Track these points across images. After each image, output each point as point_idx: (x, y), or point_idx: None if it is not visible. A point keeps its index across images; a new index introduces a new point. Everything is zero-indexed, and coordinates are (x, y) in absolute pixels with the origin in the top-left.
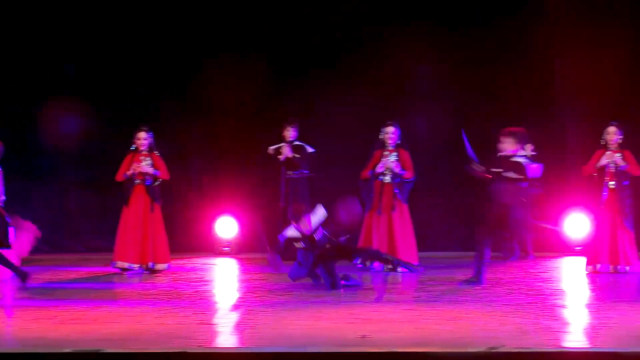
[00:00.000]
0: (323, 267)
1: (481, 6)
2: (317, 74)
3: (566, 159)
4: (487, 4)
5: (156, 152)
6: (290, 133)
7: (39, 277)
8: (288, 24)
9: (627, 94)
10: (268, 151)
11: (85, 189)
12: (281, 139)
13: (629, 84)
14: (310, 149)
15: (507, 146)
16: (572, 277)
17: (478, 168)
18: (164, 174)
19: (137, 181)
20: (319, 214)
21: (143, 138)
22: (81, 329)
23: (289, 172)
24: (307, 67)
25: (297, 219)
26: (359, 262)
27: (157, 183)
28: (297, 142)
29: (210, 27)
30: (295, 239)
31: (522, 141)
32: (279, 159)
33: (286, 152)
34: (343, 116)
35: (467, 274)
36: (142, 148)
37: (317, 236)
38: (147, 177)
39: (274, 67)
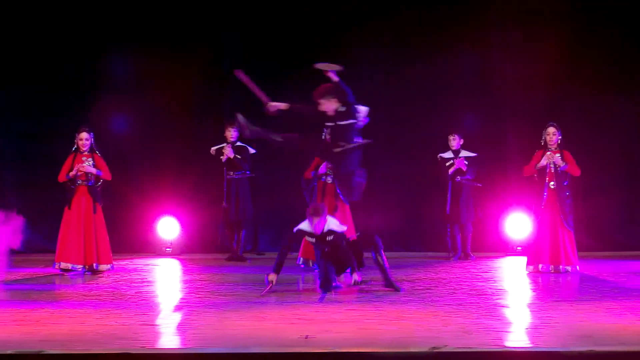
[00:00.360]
0: (323, 266)
1: (417, 4)
2: (259, 73)
3: (506, 160)
4: (422, 3)
5: (97, 153)
6: (232, 134)
7: None
8: (229, 21)
9: (565, 93)
10: (210, 152)
11: (24, 189)
12: (223, 140)
13: (566, 83)
14: (252, 150)
15: (327, 107)
16: (513, 277)
17: (274, 106)
18: (106, 174)
19: (80, 182)
20: (337, 223)
21: (85, 138)
22: (23, 330)
23: (231, 173)
24: (248, 66)
25: (314, 216)
26: (301, 262)
27: (99, 184)
28: (239, 143)
29: (148, 23)
30: (308, 234)
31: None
32: (221, 159)
33: (228, 152)
34: (285, 116)
35: (409, 274)
36: (84, 148)
37: (328, 237)
38: (90, 177)
39: (214, 65)
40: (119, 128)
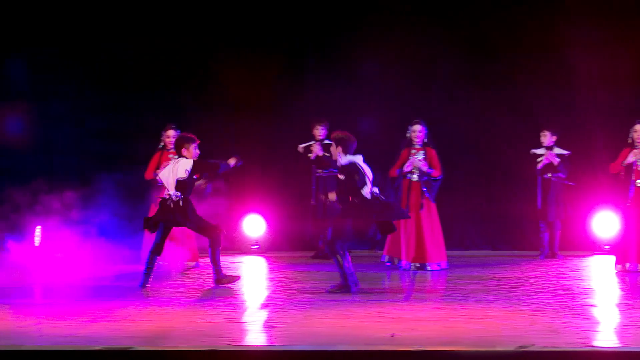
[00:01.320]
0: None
1: (498, 2)
2: (344, 73)
3: (594, 157)
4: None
5: None
6: (320, 132)
7: (69, 275)
8: (311, 19)
9: None
10: (298, 149)
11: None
12: (311, 137)
13: None
14: None
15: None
16: (601, 276)
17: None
18: None
19: None
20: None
21: (172, 136)
22: (111, 327)
23: (319, 170)
24: (331, 65)
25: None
26: (386, 260)
27: None
28: (327, 141)
29: (230, 23)
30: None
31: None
32: (309, 157)
33: (317, 150)
34: (370, 114)
35: (495, 272)
36: (170, 146)
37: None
38: None
39: (299, 63)
40: (204, 126)
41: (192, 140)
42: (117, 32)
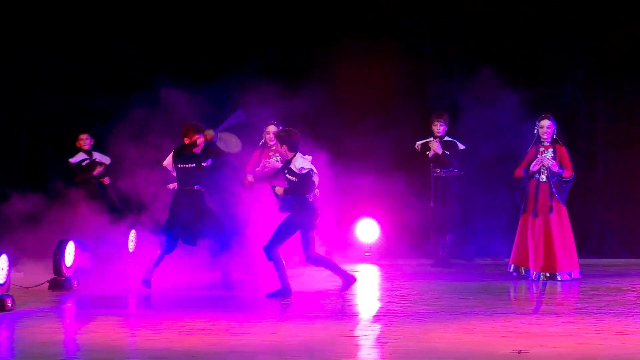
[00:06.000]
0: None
1: None
2: (464, 65)
3: None
4: None
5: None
6: (439, 127)
7: (163, 285)
8: (426, 13)
9: None
10: (415, 146)
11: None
12: (430, 133)
13: None
14: (461, 146)
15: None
16: None
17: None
18: None
19: None
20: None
21: (272, 132)
22: (210, 341)
23: (438, 170)
24: (452, 58)
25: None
26: (512, 269)
27: None
28: (447, 138)
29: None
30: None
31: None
32: (427, 154)
33: (436, 147)
34: (494, 110)
35: (635, 283)
36: (271, 143)
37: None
38: None
39: (413, 54)
40: (311, 123)
41: (194, 130)
42: None
